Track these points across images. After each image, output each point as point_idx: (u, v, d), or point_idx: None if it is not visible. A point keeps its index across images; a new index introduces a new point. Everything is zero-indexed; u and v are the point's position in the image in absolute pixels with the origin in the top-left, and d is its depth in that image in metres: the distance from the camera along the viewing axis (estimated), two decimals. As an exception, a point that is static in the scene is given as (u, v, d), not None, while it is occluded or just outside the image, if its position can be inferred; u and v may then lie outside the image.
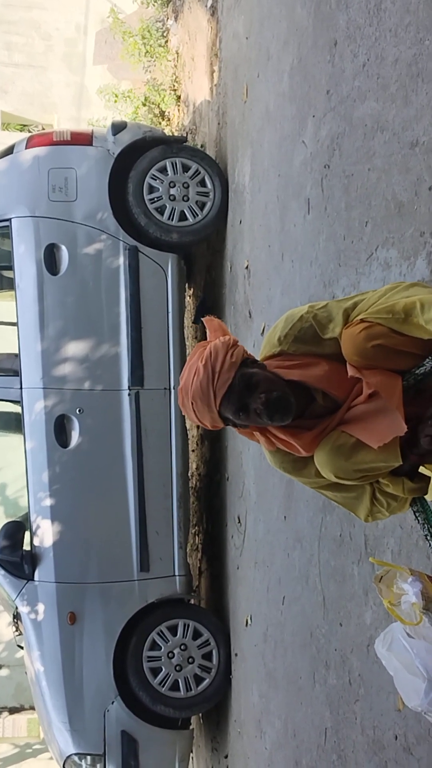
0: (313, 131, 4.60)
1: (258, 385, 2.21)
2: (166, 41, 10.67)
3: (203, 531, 8.10)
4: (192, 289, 8.75)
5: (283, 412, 2.22)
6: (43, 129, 13.43)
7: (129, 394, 6.60)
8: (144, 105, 10.79)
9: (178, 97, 10.34)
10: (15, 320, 6.63)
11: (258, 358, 2.39)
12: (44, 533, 6.45)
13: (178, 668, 6.52)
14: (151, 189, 6.82)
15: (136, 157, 6.86)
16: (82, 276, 6.61)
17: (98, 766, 6.38)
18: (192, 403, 2.26)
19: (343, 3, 4.12)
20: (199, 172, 6.91)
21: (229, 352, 2.25)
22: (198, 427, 8.57)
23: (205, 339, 2.40)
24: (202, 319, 2.45)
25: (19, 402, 6.55)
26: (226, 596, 6.89)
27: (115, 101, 11.17)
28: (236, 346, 2.28)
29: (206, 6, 8.49)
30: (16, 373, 6.58)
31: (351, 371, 2.23)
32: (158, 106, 10.59)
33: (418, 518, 2.39)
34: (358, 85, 3.90)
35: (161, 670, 6.50)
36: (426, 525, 2.38)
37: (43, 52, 13.62)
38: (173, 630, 6.56)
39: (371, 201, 3.72)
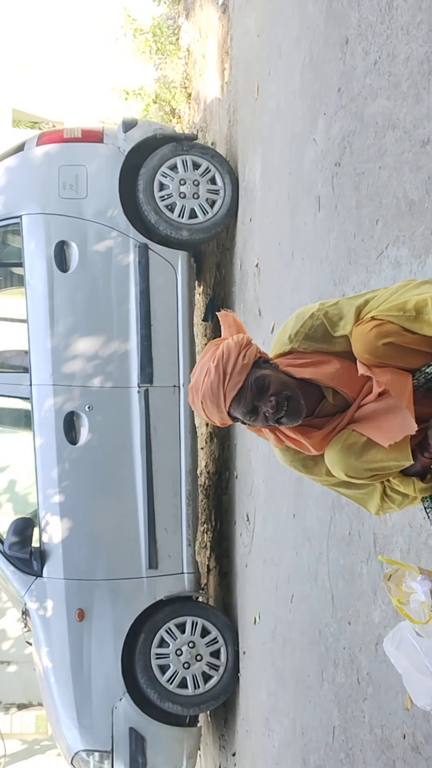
0: (324, 129, 4.59)
1: (268, 388, 2.21)
2: (177, 39, 10.68)
3: (212, 528, 8.10)
4: (202, 287, 8.75)
5: (291, 414, 2.22)
6: (54, 126, 13.43)
7: (138, 392, 6.60)
8: (155, 102, 10.81)
9: (189, 95, 10.34)
10: (25, 317, 6.64)
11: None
12: (53, 530, 6.46)
13: (186, 666, 6.53)
14: (162, 186, 6.83)
15: (147, 154, 6.86)
16: (92, 273, 6.62)
17: (106, 762, 6.40)
18: (201, 402, 2.27)
19: (355, 1, 4.11)
20: (210, 170, 6.91)
21: (241, 354, 2.24)
22: (207, 424, 8.57)
23: (217, 335, 2.39)
24: (216, 313, 2.44)
25: (28, 399, 6.56)
26: (235, 594, 6.89)
27: (126, 98, 11.18)
28: (249, 346, 2.27)
29: (217, 3, 8.49)
30: (26, 369, 6.59)
31: (361, 369, 2.22)
32: (169, 104, 10.60)
33: (429, 514, 2.38)
34: (369, 83, 3.89)
35: (169, 667, 6.50)
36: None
37: (55, 49, 13.63)
38: (181, 627, 6.57)
39: (382, 199, 3.71)
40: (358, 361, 2.24)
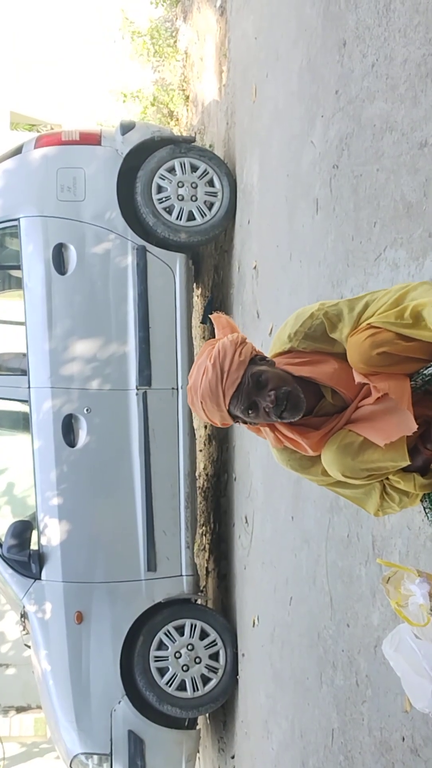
0: (321, 131, 4.59)
1: (267, 383, 2.22)
2: (175, 41, 10.68)
3: (210, 531, 8.10)
4: (200, 289, 8.75)
5: (292, 408, 2.22)
6: (52, 129, 13.45)
7: (137, 394, 6.60)
8: (153, 105, 10.81)
9: (187, 97, 10.34)
10: (23, 320, 6.64)
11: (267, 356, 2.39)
12: (52, 532, 6.46)
13: (185, 668, 6.52)
14: (160, 189, 6.83)
15: (145, 156, 6.87)
16: (91, 276, 6.62)
17: (105, 765, 6.39)
18: (201, 402, 2.27)
19: (352, 3, 4.11)
20: (208, 172, 6.91)
21: (237, 351, 2.25)
22: (206, 426, 8.57)
23: (214, 337, 2.40)
24: (209, 316, 2.46)
25: (26, 401, 6.56)
26: (234, 596, 6.89)
27: (124, 101, 11.19)
28: (244, 344, 2.28)
29: (215, 6, 8.49)
30: (24, 372, 6.59)
31: (358, 378, 2.23)
32: (167, 106, 10.61)
33: (428, 515, 2.38)
34: (366, 86, 3.89)
35: (168, 669, 6.50)
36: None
37: (53, 52, 13.64)
38: (180, 630, 6.57)
39: (380, 201, 3.71)
40: (354, 370, 2.24)
